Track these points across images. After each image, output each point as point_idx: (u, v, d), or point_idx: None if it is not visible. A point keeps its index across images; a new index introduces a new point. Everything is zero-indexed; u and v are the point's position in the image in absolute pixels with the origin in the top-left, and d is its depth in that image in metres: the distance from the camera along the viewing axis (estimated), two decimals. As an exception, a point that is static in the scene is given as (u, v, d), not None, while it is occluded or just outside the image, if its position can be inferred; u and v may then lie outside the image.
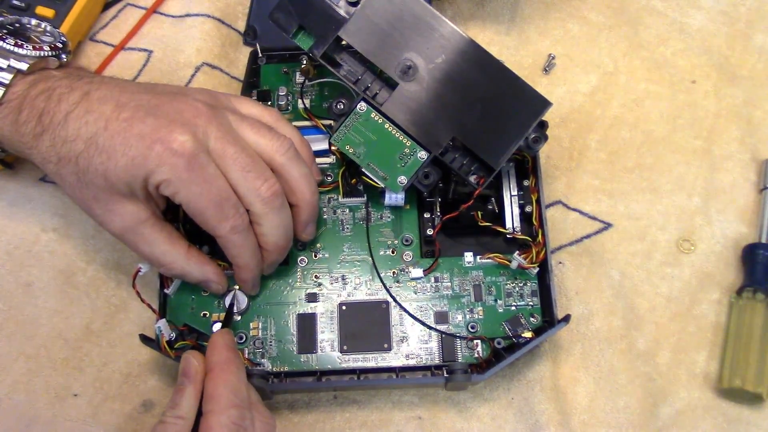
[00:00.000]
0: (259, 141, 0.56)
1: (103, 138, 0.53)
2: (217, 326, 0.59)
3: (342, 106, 0.59)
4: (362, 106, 0.59)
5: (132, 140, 0.52)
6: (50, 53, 0.58)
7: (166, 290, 0.60)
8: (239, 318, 0.61)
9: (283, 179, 0.57)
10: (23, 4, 0.69)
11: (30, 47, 0.57)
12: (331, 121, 0.64)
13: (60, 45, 0.59)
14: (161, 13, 0.75)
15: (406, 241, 0.63)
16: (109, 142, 0.53)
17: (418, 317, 0.61)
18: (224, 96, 0.60)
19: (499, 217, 0.63)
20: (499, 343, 0.60)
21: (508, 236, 0.62)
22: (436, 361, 0.60)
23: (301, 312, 0.61)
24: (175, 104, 0.55)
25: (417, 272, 0.62)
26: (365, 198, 0.64)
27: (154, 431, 0.49)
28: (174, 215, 0.60)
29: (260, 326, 0.60)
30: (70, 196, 0.57)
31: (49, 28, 0.61)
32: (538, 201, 0.62)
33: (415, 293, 0.62)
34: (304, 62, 0.65)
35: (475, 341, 0.60)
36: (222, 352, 0.53)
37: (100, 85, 0.55)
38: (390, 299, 0.61)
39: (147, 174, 0.52)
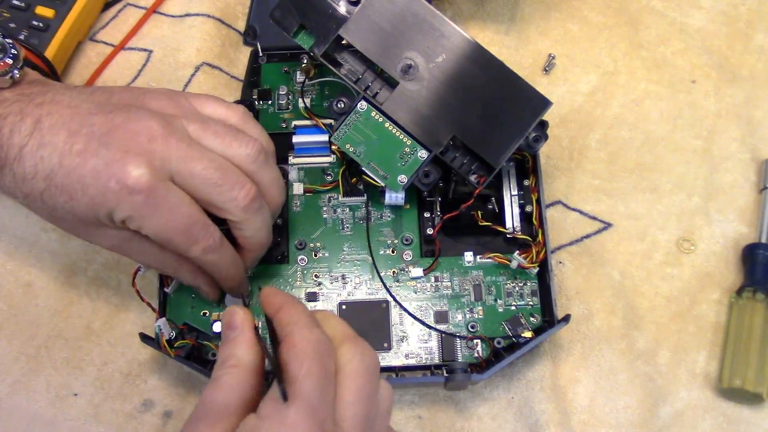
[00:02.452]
0: (226, 150, 0.53)
1: (60, 176, 0.50)
2: (217, 326, 0.59)
3: (342, 105, 0.59)
4: (363, 104, 0.59)
5: (87, 179, 0.50)
6: None
7: (165, 289, 0.60)
8: None
9: (236, 230, 0.56)
10: (23, 4, 0.69)
11: None
12: (332, 120, 0.64)
13: (10, 60, 0.53)
14: (161, 13, 0.75)
15: (406, 240, 0.63)
16: (66, 181, 0.50)
17: (417, 317, 0.61)
18: (185, 98, 0.56)
19: (499, 217, 0.63)
20: (498, 343, 0.60)
21: (508, 236, 0.62)
22: (436, 361, 0.60)
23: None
24: (129, 126, 0.51)
25: (417, 272, 0.62)
26: (365, 197, 0.64)
27: (205, 391, 0.45)
28: None
29: (260, 325, 0.60)
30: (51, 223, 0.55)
31: None
32: (538, 201, 0.62)
33: (415, 293, 0.62)
34: (305, 61, 0.65)
35: (475, 341, 0.60)
36: (284, 294, 0.50)
37: (51, 108, 0.51)
38: (390, 299, 0.61)
39: (109, 211, 0.50)
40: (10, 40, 0.54)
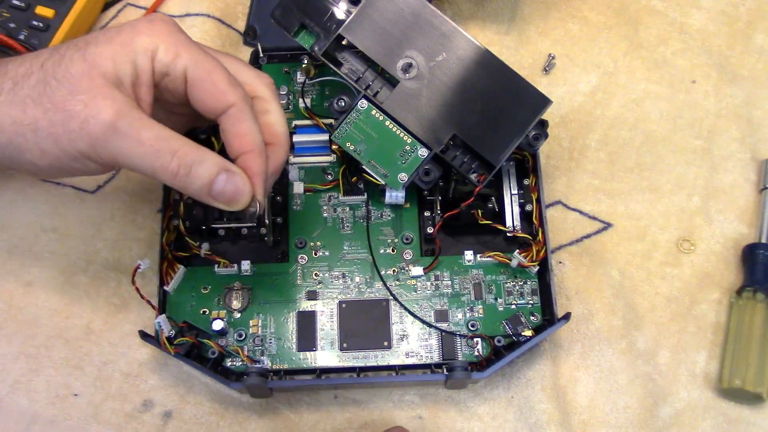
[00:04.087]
0: (241, 70, 0.55)
1: (77, 41, 0.49)
2: (217, 324, 0.59)
3: (343, 104, 0.60)
4: (363, 103, 0.59)
5: (110, 31, 0.50)
6: None
7: (165, 287, 0.60)
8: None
9: (263, 114, 0.55)
10: (23, 4, 0.69)
11: None
12: (332, 120, 0.64)
13: None
14: (161, 13, 0.75)
15: (407, 239, 0.63)
16: (85, 38, 0.49)
17: (418, 315, 0.61)
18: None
19: (500, 216, 0.63)
20: (499, 342, 0.60)
21: (508, 235, 0.62)
22: (436, 359, 0.60)
23: (301, 310, 0.61)
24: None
25: (417, 270, 0.62)
26: (365, 196, 0.64)
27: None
28: (174, 212, 0.61)
29: (260, 324, 0.60)
30: (32, 129, 0.49)
31: None
32: (538, 200, 0.62)
33: (416, 291, 0.62)
34: (305, 62, 0.65)
35: (475, 339, 0.60)
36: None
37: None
38: (390, 297, 0.61)
39: (137, 43, 0.48)
40: None
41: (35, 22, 0.68)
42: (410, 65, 0.58)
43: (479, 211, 0.62)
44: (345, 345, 0.60)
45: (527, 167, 0.64)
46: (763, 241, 0.65)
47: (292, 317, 0.61)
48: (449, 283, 0.62)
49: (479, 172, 0.60)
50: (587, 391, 0.61)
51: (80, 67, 0.48)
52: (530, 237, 0.62)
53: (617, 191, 0.68)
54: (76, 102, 0.47)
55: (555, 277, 0.63)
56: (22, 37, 0.67)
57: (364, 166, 0.60)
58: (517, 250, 0.61)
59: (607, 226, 0.67)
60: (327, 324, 0.61)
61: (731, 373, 0.60)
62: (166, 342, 0.57)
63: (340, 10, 0.59)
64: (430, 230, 0.63)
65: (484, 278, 0.62)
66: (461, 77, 0.59)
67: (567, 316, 0.59)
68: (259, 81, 0.55)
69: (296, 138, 0.65)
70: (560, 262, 0.65)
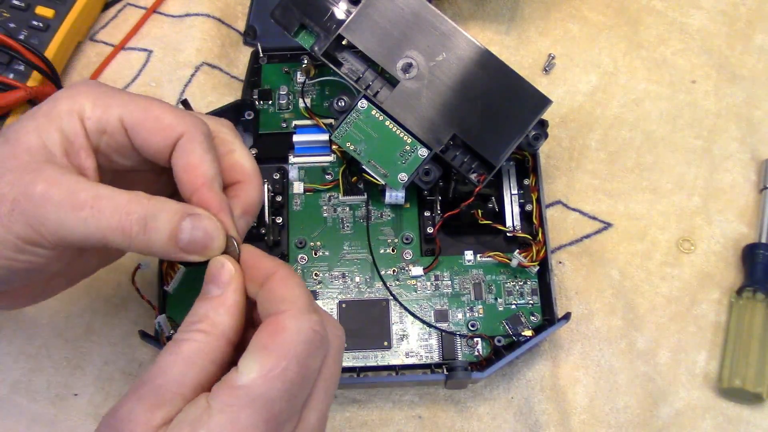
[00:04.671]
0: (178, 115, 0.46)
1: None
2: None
3: (343, 104, 0.60)
4: (363, 103, 0.59)
5: (32, 109, 0.45)
6: None
7: (165, 287, 0.60)
8: None
9: (227, 155, 0.48)
10: (23, 4, 0.69)
11: None
12: (332, 120, 0.64)
13: None
14: (161, 13, 0.75)
15: (407, 239, 0.63)
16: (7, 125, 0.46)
17: (418, 315, 0.61)
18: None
19: (500, 216, 0.63)
20: (499, 341, 0.60)
21: (508, 234, 0.62)
22: (436, 359, 0.60)
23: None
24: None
25: (417, 270, 0.62)
26: (365, 196, 0.64)
27: (159, 357, 0.38)
28: None
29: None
30: None
31: None
32: (538, 200, 0.62)
33: (415, 291, 0.62)
34: (305, 62, 0.65)
35: (475, 339, 0.60)
36: (274, 258, 0.43)
37: None
38: (390, 297, 0.61)
39: (59, 108, 0.43)
40: None
41: (35, 22, 0.68)
42: (410, 65, 0.58)
43: (479, 211, 0.62)
44: (345, 345, 0.60)
45: (527, 167, 0.64)
46: (763, 241, 0.65)
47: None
48: (449, 283, 0.62)
49: (479, 172, 0.60)
50: (587, 391, 0.61)
51: (3, 151, 0.43)
52: (530, 237, 0.62)
53: (617, 191, 0.68)
54: (2, 185, 0.41)
55: (555, 277, 0.63)
56: (22, 37, 0.67)
57: (364, 166, 0.60)
58: (517, 250, 0.61)
59: (607, 226, 0.67)
60: (327, 324, 0.61)
61: (731, 373, 0.60)
62: (166, 342, 0.57)
63: (340, 10, 0.59)
64: (430, 230, 0.63)
65: (484, 278, 0.62)
66: (461, 77, 0.59)
67: (567, 316, 0.59)
68: (216, 123, 0.49)
69: (296, 138, 0.65)
70: (560, 262, 0.65)
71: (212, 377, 0.38)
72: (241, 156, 0.48)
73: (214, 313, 0.39)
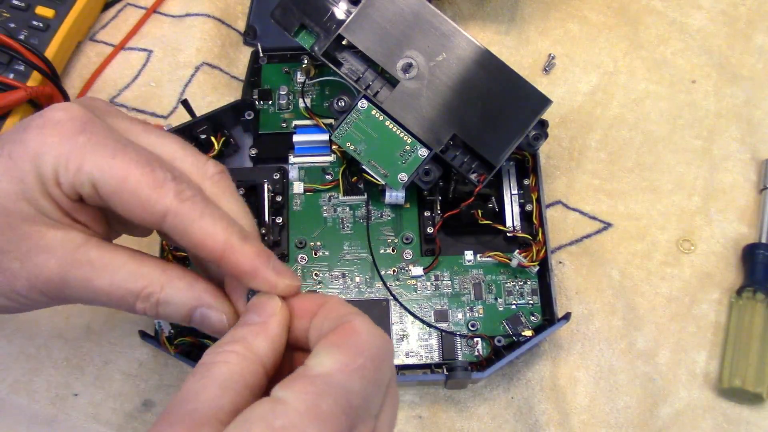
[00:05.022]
0: (179, 155, 0.43)
1: None
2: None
3: (343, 104, 0.59)
4: (363, 103, 0.59)
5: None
6: None
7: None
8: None
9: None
10: (23, 4, 0.69)
11: None
12: (332, 120, 0.64)
13: None
14: (161, 13, 0.75)
15: (407, 239, 0.63)
16: None
17: (418, 315, 0.61)
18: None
19: (500, 216, 0.63)
20: (499, 341, 0.60)
21: (508, 234, 0.62)
22: (436, 359, 0.60)
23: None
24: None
25: (417, 270, 0.62)
26: (365, 196, 0.64)
27: (189, 381, 0.35)
28: None
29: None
30: None
31: None
32: (538, 200, 0.62)
33: (416, 291, 0.62)
34: (305, 62, 0.65)
35: (475, 339, 0.60)
36: (322, 295, 0.40)
37: None
38: (390, 297, 0.61)
39: (38, 166, 0.39)
40: None
41: (35, 22, 0.68)
42: (410, 65, 0.58)
43: (479, 211, 0.62)
44: None
45: (527, 167, 0.64)
46: (763, 241, 0.65)
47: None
48: (449, 283, 0.62)
49: (479, 172, 0.60)
50: (587, 391, 0.61)
51: None
52: (530, 237, 0.62)
53: (617, 191, 0.68)
54: (9, 261, 0.40)
55: (555, 277, 0.63)
56: (22, 37, 0.67)
57: (364, 166, 0.60)
58: (517, 250, 0.61)
59: (607, 226, 0.67)
60: (327, 324, 0.61)
61: (731, 373, 0.60)
62: (166, 342, 0.57)
63: (340, 10, 0.59)
64: (430, 230, 0.63)
65: (484, 278, 0.62)
66: (461, 77, 0.58)
67: (567, 316, 0.59)
68: (202, 169, 0.43)
69: (296, 138, 0.65)
70: (560, 262, 0.65)
71: (248, 404, 0.33)
72: (235, 211, 0.42)
73: (253, 337, 0.37)
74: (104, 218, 0.43)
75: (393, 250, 0.63)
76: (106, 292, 0.40)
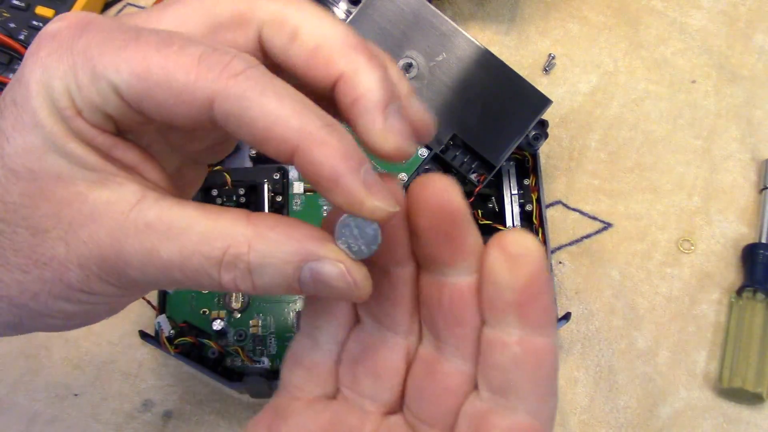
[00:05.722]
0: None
1: None
2: (218, 323, 0.59)
3: (342, 104, 0.59)
4: (363, 104, 0.59)
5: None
6: None
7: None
8: None
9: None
10: (23, 4, 0.69)
11: None
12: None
13: None
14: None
15: (407, 239, 0.63)
16: None
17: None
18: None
19: (500, 216, 0.63)
20: (499, 342, 0.60)
21: (508, 235, 0.62)
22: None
23: (301, 309, 0.61)
24: None
25: (417, 271, 0.62)
26: (365, 196, 0.64)
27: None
28: None
29: (260, 324, 0.60)
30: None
31: None
32: (538, 200, 0.62)
33: (416, 292, 0.62)
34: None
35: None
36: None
37: None
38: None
39: (48, 99, 0.29)
40: None
41: (35, 22, 0.68)
42: (410, 65, 0.58)
43: (479, 211, 0.62)
44: None
45: (527, 167, 0.64)
46: (763, 241, 0.65)
47: (293, 317, 0.61)
48: (449, 283, 0.62)
49: (479, 172, 0.60)
50: (587, 391, 0.61)
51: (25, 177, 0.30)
52: (530, 237, 0.62)
53: (617, 191, 0.68)
54: (50, 245, 0.31)
55: (555, 277, 0.63)
56: (22, 37, 0.67)
57: (363, 166, 0.60)
58: (518, 251, 0.61)
59: (607, 226, 0.67)
60: (327, 324, 0.60)
61: (731, 373, 0.60)
62: (166, 342, 0.57)
63: (340, 10, 0.59)
64: (430, 230, 0.63)
65: (484, 278, 0.62)
66: (461, 77, 0.58)
67: (567, 316, 0.59)
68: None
69: (296, 138, 0.64)
70: (560, 262, 0.65)
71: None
72: (312, 31, 0.31)
73: None
74: (159, 155, 0.33)
75: (393, 250, 0.63)
76: (178, 265, 0.29)
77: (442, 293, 0.32)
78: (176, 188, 0.34)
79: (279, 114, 0.28)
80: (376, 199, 0.28)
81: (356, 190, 0.28)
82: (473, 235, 0.32)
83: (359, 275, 0.30)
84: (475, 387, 0.32)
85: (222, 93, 0.28)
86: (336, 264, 0.30)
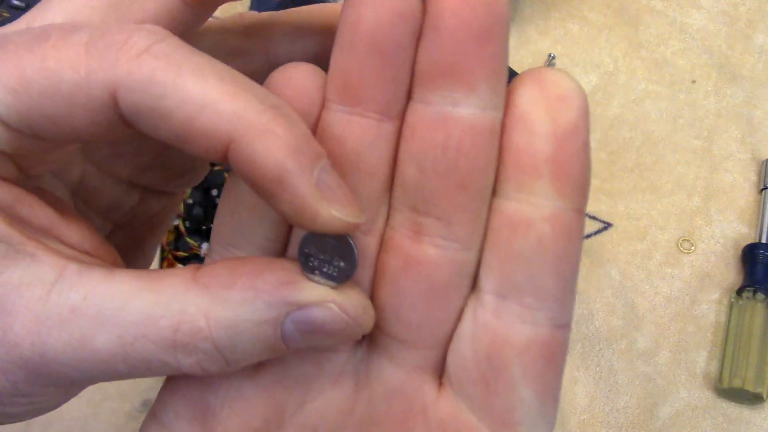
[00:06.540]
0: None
1: None
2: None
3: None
4: (362, 104, 0.59)
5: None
6: None
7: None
8: None
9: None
10: (23, 4, 0.69)
11: None
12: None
13: None
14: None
15: (406, 240, 0.63)
16: None
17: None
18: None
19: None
20: (499, 342, 0.60)
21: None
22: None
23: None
24: None
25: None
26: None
27: None
28: None
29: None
30: None
31: None
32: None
33: (415, 292, 0.61)
34: (305, 62, 0.65)
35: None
36: None
37: None
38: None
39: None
40: None
41: (35, 22, 0.68)
42: (410, 65, 0.58)
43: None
44: None
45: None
46: (763, 241, 0.65)
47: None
48: (449, 283, 0.62)
49: (479, 172, 0.60)
50: (587, 391, 0.61)
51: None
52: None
53: (617, 191, 0.68)
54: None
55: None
56: (21, 37, 0.67)
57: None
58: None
59: (607, 226, 0.67)
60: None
61: (731, 373, 0.60)
62: (165, 342, 0.57)
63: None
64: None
65: (483, 278, 0.62)
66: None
67: (567, 317, 0.58)
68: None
69: (296, 138, 0.64)
70: (560, 262, 0.65)
71: None
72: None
73: None
74: (100, 190, 0.28)
75: (393, 251, 0.63)
76: (120, 356, 0.23)
77: (446, 133, 0.22)
78: (134, 229, 0.29)
79: (204, 98, 0.21)
80: (333, 208, 0.21)
81: (307, 196, 0.21)
82: (505, 51, 0.22)
83: (355, 306, 0.23)
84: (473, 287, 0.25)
85: (124, 81, 0.21)
86: (324, 306, 0.23)
